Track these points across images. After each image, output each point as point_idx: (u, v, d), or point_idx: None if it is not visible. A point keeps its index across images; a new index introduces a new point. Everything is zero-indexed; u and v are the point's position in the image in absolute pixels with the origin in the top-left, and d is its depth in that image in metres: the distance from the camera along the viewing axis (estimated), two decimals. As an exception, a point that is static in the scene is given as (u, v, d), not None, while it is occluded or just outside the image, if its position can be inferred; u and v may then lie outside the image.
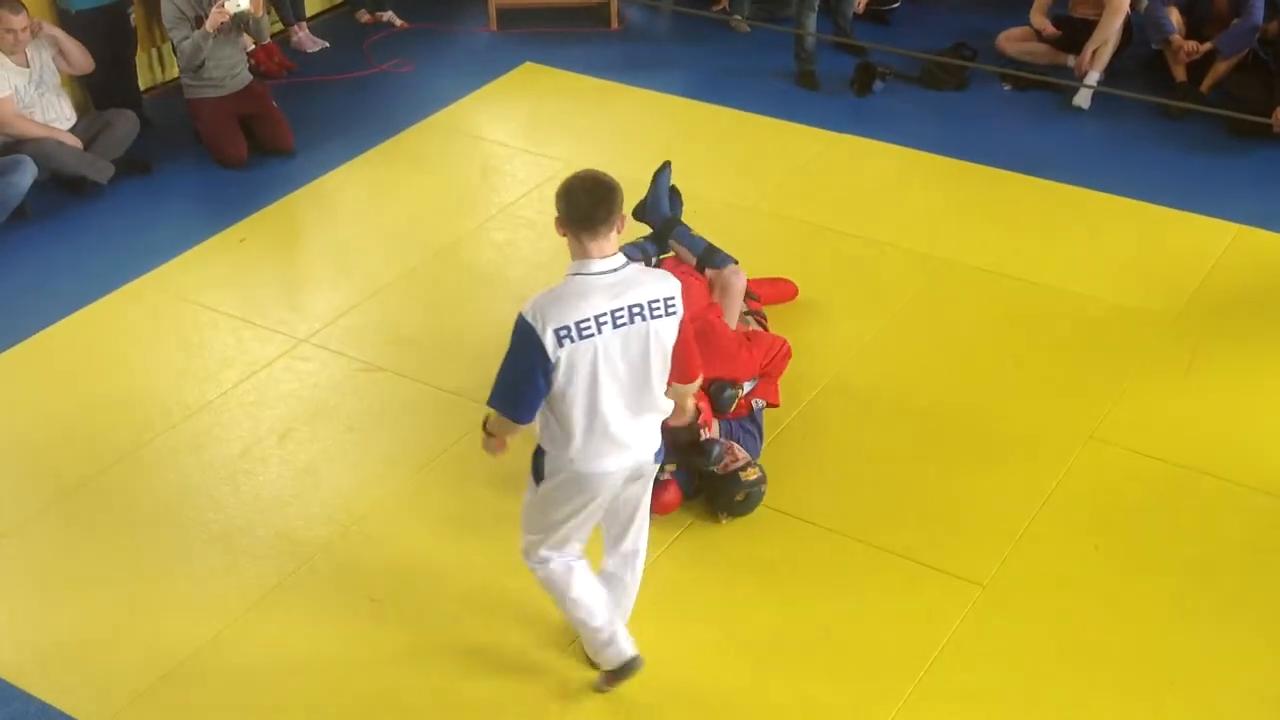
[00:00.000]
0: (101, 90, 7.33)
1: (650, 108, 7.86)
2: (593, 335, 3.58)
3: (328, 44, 8.69)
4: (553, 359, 3.57)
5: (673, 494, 4.88)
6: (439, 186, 7.15)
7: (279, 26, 8.66)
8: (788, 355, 5.40)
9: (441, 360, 5.75)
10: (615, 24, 8.89)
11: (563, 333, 3.55)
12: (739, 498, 4.83)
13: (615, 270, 3.63)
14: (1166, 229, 6.53)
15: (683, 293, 3.76)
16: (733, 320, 5.45)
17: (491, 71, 8.27)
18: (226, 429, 5.42)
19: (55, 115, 6.93)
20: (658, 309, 3.65)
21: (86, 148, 6.97)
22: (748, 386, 5.12)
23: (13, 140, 6.73)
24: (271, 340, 5.92)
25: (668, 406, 3.87)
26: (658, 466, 3.96)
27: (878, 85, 7.94)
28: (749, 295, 5.66)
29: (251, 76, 7.53)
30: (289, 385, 5.66)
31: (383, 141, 7.53)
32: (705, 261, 5.57)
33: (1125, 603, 4.50)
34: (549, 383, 3.62)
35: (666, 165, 5.89)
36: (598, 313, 3.58)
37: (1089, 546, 4.72)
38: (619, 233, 3.66)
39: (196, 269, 6.48)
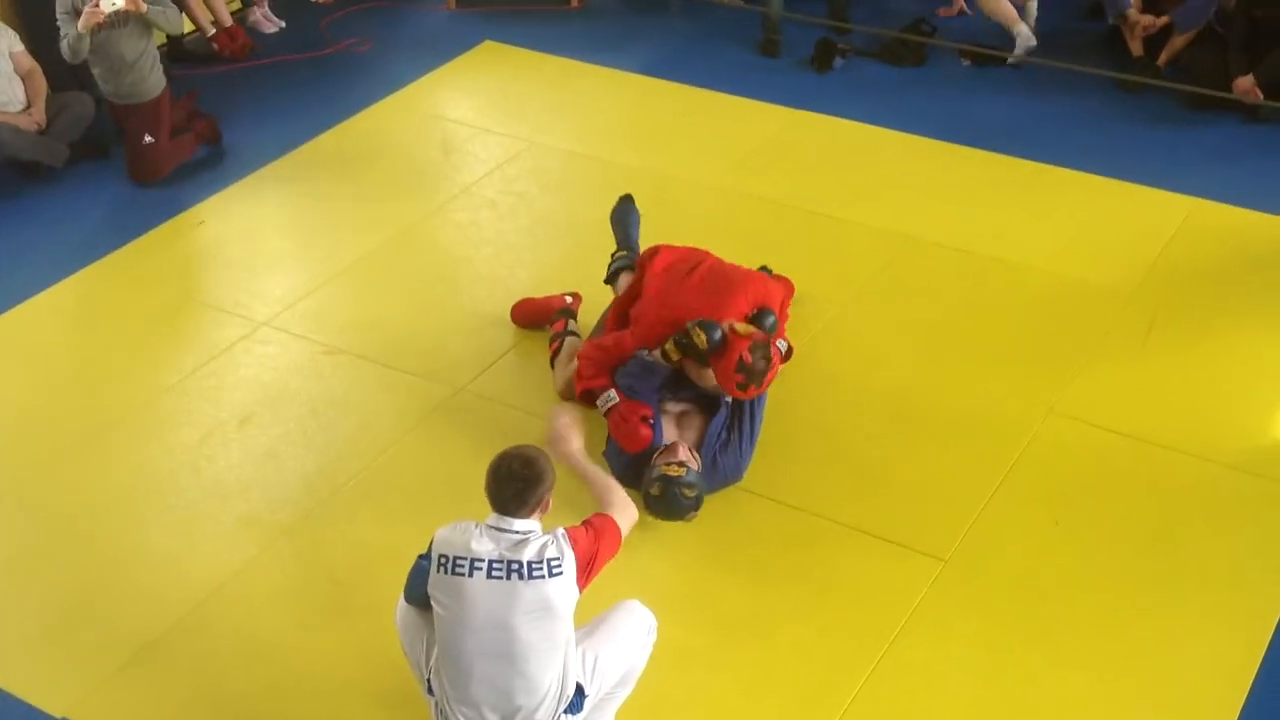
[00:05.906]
0: (56, 73, 7.24)
1: (611, 86, 7.83)
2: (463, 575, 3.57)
3: (284, 24, 8.62)
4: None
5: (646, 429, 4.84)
6: (399, 167, 7.11)
7: (237, 5, 8.58)
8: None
9: (404, 342, 5.73)
10: (575, 1, 8.85)
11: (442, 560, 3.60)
12: (653, 491, 4.65)
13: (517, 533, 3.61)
14: (1124, 203, 6.57)
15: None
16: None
17: (451, 50, 8.22)
18: (187, 414, 5.38)
19: (8, 99, 6.85)
20: (538, 570, 3.55)
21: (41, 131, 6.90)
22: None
23: (-33, 126, 6.66)
24: (231, 324, 5.88)
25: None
26: None
27: (838, 62, 7.94)
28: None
29: (160, 90, 6.89)
30: (250, 369, 5.63)
31: (341, 121, 7.48)
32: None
33: (1084, 576, 4.54)
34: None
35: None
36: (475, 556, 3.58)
37: (1049, 520, 4.76)
38: (542, 513, 3.68)
39: (154, 253, 6.42)
